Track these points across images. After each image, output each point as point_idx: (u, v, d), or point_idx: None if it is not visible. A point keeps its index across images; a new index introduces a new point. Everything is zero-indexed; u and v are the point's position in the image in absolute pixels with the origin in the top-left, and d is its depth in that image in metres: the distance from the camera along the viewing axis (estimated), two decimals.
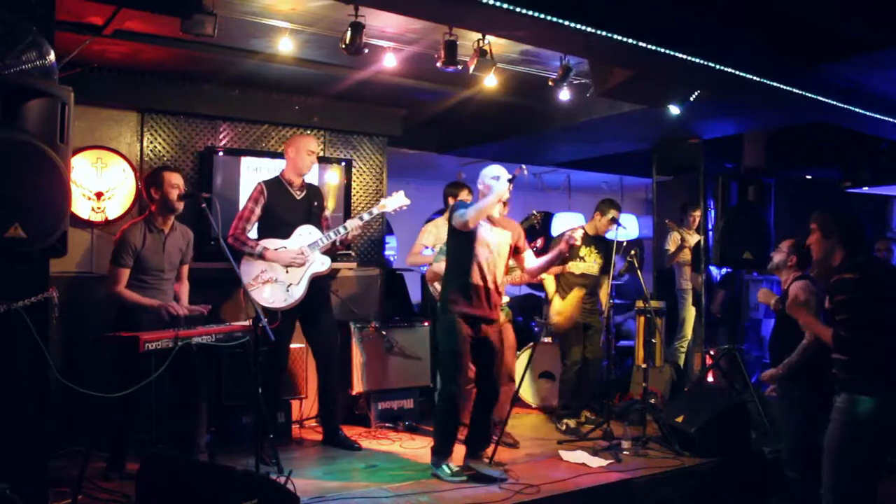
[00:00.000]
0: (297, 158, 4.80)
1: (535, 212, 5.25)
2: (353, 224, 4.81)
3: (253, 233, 4.80)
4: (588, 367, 5.60)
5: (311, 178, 5.57)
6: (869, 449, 3.15)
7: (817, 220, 3.37)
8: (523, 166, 4.30)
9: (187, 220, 4.56)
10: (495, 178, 4.32)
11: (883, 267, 3.33)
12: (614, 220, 5.50)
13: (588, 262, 5.55)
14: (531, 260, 4.55)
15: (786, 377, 3.94)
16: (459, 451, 4.45)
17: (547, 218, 9.43)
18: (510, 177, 4.27)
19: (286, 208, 4.77)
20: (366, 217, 4.89)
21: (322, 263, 4.77)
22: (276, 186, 4.80)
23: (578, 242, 4.45)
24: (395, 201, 4.97)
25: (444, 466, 4.29)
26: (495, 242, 4.34)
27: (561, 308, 5.33)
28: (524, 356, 6.31)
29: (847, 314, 3.13)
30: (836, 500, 3.20)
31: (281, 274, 4.66)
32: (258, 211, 4.74)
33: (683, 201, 7.11)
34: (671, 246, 6.94)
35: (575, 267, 5.50)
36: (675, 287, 7.06)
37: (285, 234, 4.73)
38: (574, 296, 5.28)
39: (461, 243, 4.31)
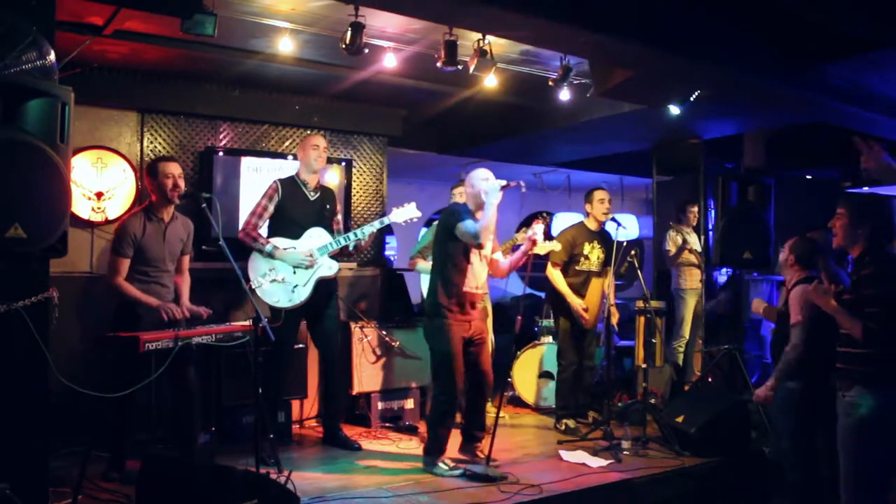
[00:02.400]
0: (304, 155, 4.82)
1: (544, 213, 5.24)
2: (362, 233, 4.81)
3: (264, 230, 4.81)
4: (583, 368, 5.61)
5: None
6: (886, 441, 3.15)
7: (848, 206, 3.33)
8: (522, 183, 4.37)
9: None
10: (485, 180, 4.39)
11: None
12: (603, 201, 5.53)
13: (591, 260, 5.55)
14: (500, 260, 4.67)
15: (784, 378, 3.94)
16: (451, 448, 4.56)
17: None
18: (503, 183, 4.32)
19: (299, 208, 4.78)
20: (377, 225, 4.89)
21: (329, 267, 4.77)
22: (290, 185, 4.80)
23: (540, 237, 4.48)
24: (405, 213, 4.94)
25: (441, 464, 4.38)
26: (486, 250, 4.50)
27: (587, 304, 5.45)
28: (524, 356, 6.33)
29: (876, 307, 3.13)
30: (855, 495, 3.20)
31: (288, 274, 4.66)
32: (271, 208, 4.75)
33: (681, 199, 7.11)
34: (671, 247, 6.94)
35: (581, 266, 5.51)
36: (671, 287, 7.07)
37: (296, 235, 4.74)
38: (594, 289, 5.41)
39: (458, 253, 4.38)
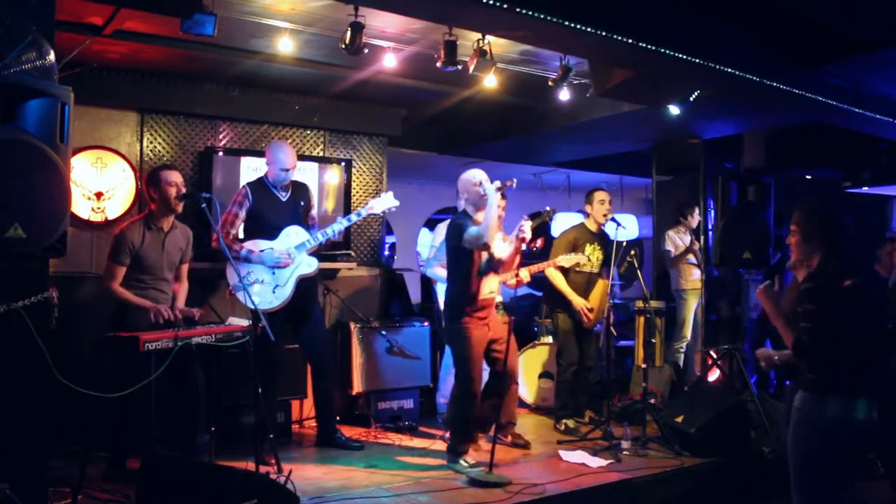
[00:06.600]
0: (273, 168, 4.72)
1: (548, 207, 5.16)
2: (338, 227, 4.76)
3: (240, 235, 4.76)
4: (583, 368, 5.61)
5: (312, 179, 5.57)
6: (829, 447, 3.09)
7: (799, 221, 3.28)
8: (514, 180, 4.38)
9: (187, 219, 4.56)
10: (479, 185, 4.43)
11: (860, 272, 3.22)
12: (603, 202, 5.53)
13: (592, 261, 5.55)
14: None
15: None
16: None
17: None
18: (499, 185, 4.32)
19: (271, 210, 4.70)
20: (354, 219, 4.86)
21: (309, 265, 4.70)
22: (260, 188, 4.73)
23: (528, 235, 4.47)
24: (384, 202, 4.88)
25: (461, 461, 4.43)
26: (498, 253, 4.53)
27: (591, 304, 5.47)
28: (523, 356, 6.32)
29: (810, 323, 3.07)
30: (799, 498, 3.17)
31: (267, 275, 4.60)
32: (242, 215, 4.69)
33: (681, 201, 7.11)
34: (671, 247, 6.94)
35: (583, 267, 5.51)
36: (671, 288, 7.07)
37: (272, 236, 4.66)
38: (599, 288, 5.46)
39: (469, 264, 4.44)
